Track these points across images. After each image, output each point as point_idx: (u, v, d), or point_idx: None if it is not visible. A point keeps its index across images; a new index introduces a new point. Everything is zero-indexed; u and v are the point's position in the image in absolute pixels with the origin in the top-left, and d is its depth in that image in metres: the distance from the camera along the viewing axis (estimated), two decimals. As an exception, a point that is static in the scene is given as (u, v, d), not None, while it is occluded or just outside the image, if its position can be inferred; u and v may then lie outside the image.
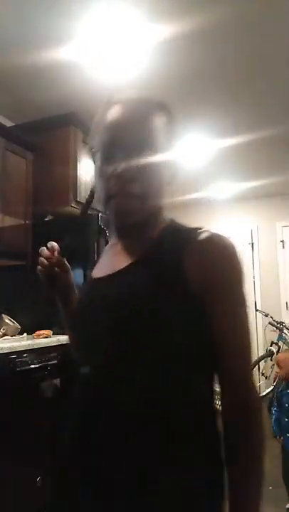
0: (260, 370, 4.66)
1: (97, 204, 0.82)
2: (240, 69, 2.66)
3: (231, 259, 0.72)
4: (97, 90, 2.72)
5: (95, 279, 0.84)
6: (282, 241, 5.44)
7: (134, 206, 0.75)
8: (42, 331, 2.61)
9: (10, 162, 2.71)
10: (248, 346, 0.73)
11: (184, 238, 0.74)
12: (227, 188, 5.04)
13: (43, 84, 2.75)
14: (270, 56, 2.52)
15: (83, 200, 2.95)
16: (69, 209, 2.92)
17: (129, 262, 0.77)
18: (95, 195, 0.82)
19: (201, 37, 2.31)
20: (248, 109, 3.17)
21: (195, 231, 0.74)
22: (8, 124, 3.03)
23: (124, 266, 0.77)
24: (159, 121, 0.78)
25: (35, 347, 2.37)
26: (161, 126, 0.78)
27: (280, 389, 2.61)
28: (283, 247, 5.44)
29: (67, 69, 2.60)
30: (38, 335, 2.59)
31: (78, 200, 2.93)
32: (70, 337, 1.00)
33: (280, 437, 2.43)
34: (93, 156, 0.81)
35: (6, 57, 2.46)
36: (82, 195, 2.96)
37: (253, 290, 5.31)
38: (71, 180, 2.91)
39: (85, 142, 3.03)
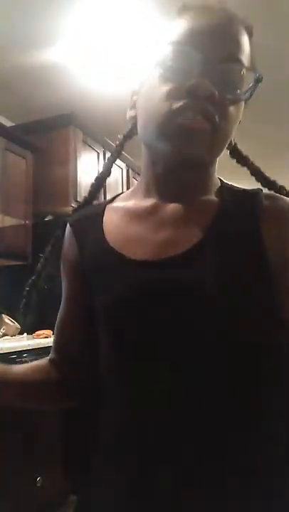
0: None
1: (143, 133, 0.62)
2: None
3: None
4: (98, 90, 2.72)
5: (143, 262, 0.59)
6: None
7: (207, 130, 0.55)
8: (42, 331, 2.61)
9: (10, 162, 2.71)
10: None
11: (255, 204, 0.60)
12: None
13: (43, 84, 2.75)
14: (279, 53, 2.52)
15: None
16: (69, 209, 2.91)
17: (199, 234, 0.58)
18: (140, 121, 0.62)
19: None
20: (252, 107, 3.16)
21: (266, 196, 0.61)
22: (8, 124, 3.03)
23: (196, 241, 0.58)
24: (249, 47, 0.60)
25: (35, 347, 2.36)
26: (250, 56, 0.61)
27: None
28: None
29: (68, 69, 2.60)
30: (38, 335, 2.59)
31: (78, 200, 2.93)
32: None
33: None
34: (150, 71, 0.61)
35: (7, 57, 2.47)
36: (82, 195, 2.96)
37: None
38: (71, 180, 2.91)
39: (84, 142, 3.03)
